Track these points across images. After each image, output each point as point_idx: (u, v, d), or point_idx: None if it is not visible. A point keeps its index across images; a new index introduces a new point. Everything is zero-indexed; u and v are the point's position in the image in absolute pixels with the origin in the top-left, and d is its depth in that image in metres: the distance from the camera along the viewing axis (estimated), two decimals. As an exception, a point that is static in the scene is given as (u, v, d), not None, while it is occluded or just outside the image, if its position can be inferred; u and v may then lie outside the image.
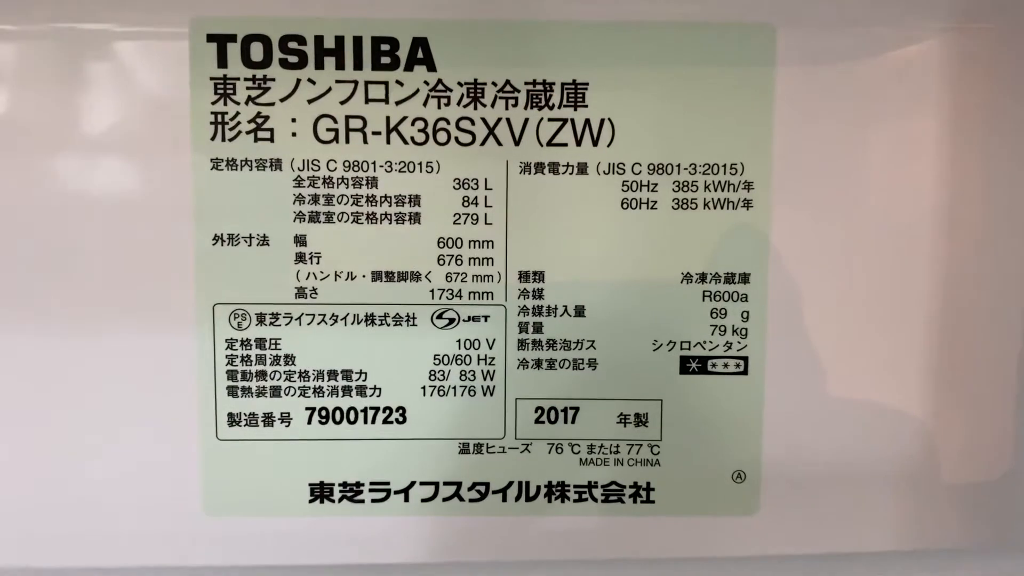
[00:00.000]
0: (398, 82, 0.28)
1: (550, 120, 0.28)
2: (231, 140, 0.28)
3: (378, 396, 0.29)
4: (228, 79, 0.28)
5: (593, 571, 0.30)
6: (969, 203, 0.29)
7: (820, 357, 0.29)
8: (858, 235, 0.29)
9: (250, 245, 0.28)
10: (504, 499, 0.30)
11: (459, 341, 0.29)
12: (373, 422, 0.29)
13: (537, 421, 0.30)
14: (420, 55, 0.28)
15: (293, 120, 0.28)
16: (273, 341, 0.29)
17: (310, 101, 0.28)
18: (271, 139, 0.28)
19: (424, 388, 0.29)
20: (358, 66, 0.28)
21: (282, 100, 0.28)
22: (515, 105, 0.28)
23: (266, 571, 0.30)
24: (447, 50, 0.28)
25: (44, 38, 0.27)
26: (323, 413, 0.29)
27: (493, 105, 0.28)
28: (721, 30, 0.28)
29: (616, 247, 0.29)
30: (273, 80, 0.28)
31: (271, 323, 0.29)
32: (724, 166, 0.28)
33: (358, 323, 0.29)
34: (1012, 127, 0.28)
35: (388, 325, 0.29)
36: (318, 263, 0.28)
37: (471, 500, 0.30)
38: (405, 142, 0.28)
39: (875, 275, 0.29)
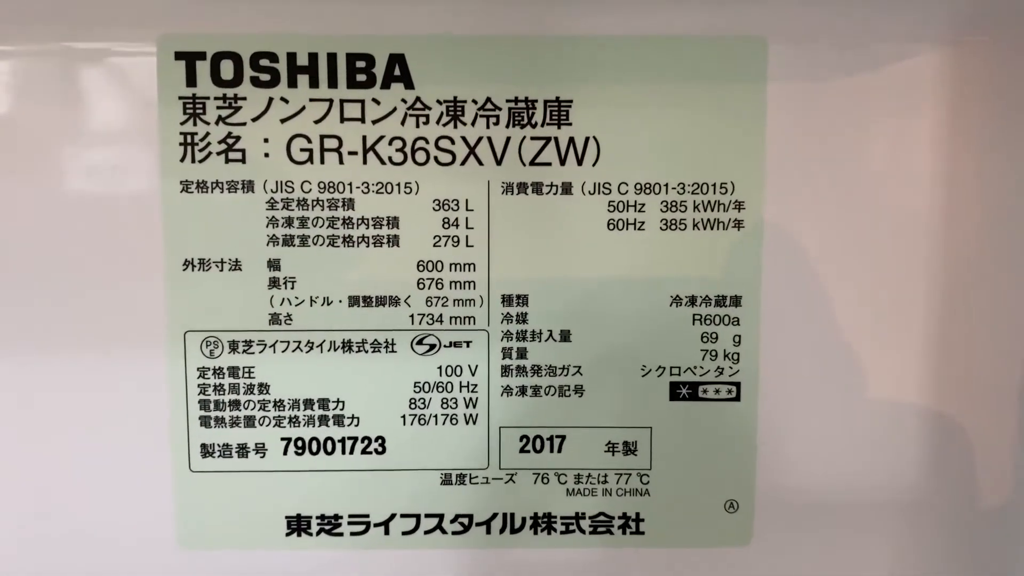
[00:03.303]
0: (374, 100, 0.27)
1: (533, 138, 0.27)
2: (201, 161, 0.27)
3: (356, 426, 0.28)
4: (198, 98, 0.27)
5: (581, 604, 0.29)
6: (967, 223, 0.28)
7: (815, 382, 0.28)
8: (852, 255, 0.28)
9: (222, 270, 0.27)
10: (488, 531, 0.29)
11: (440, 368, 0.28)
12: (351, 452, 0.28)
13: (522, 450, 0.29)
14: (397, 72, 0.27)
15: (266, 140, 0.27)
16: (247, 369, 0.28)
17: (283, 120, 0.27)
18: (243, 160, 0.27)
19: (404, 417, 0.28)
20: (333, 84, 0.27)
21: (254, 119, 0.27)
22: (496, 123, 0.27)
23: (242, 607, 0.29)
24: (425, 67, 0.27)
25: (4, 57, 0.26)
26: (299, 444, 0.28)
27: (474, 123, 0.27)
28: (710, 44, 0.27)
29: (602, 269, 0.28)
30: (244, 99, 0.27)
31: (244, 351, 0.28)
32: (714, 185, 0.27)
33: (335, 350, 0.28)
34: (1010, 143, 0.27)
35: (366, 352, 0.28)
36: (293, 288, 0.27)
37: (454, 533, 0.29)
38: (382, 162, 0.27)
39: (871, 298, 0.28)
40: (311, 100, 0.27)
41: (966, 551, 0.29)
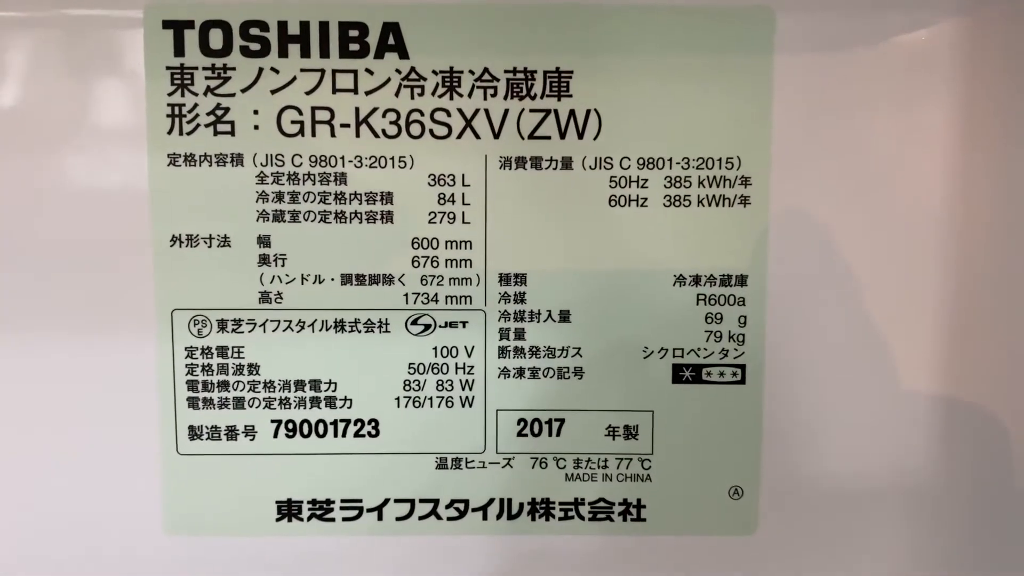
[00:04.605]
0: (368, 70, 0.26)
1: (532, 111, 0.26)
2: (189, 134, 0.26)
3: (349, 408, 0.28)
4: (185, 68, 0.26)
5: (580, 594, 0.28)
6: (982, 198, 0.27)
7: (822, 365, 0.27)
8: (863, 234, 0.27)
9: (210, 246, 0.27)
10: (484, 517, 0.28)
11: (435, 348, 0.27)
12: (344, 435, 0.28)
13: (519, 434, 0.28)
14: (391, 41, 0.26)
15: (255, 112, 0.26)
16: (236, 349, 0.27)
17: (273, 91, 0.26)
18: (232, 132, 0.26)
19: (398, 399, 0.28)
20: (325, 53, 0.26)
21: (243, 91, 0.26)
22: (494, 95, 0.26)
23: (231, 594, 0.28)
24: (420, 36, 0.26)
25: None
26: (290, 426, 0.28)
27: (470, 95, 0.26)
28: (715, 14, 0.26)
29: (603, 247, 0.27)
30: (234, 69, 0.26)
31: (233, 330, 0.27)
32: (719, 160, 0.27)
33: (327, 330, 0.27)
34: (1030, 116, 0.26)
35: (359, 332, 0.27)
36: (283, 265, 0.27)
37: (449, 518, 0.28)
38: (376, 135, 0.26)
39: (881, 277, 0.27)
40: (302, 70, 0.26)
41: (975, 540, 0.28)
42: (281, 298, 0.27)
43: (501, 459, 0.28)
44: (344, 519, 0.28)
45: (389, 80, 0.26)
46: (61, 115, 0.26)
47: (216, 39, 0.26)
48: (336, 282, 0.27)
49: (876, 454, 0.28)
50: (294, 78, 0.26)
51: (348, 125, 0.26)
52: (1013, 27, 0.26)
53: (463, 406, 0.28)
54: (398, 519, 0.28)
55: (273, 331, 0.27)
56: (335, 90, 0.26)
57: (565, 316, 0.27)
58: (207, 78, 0.26)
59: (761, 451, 0.28)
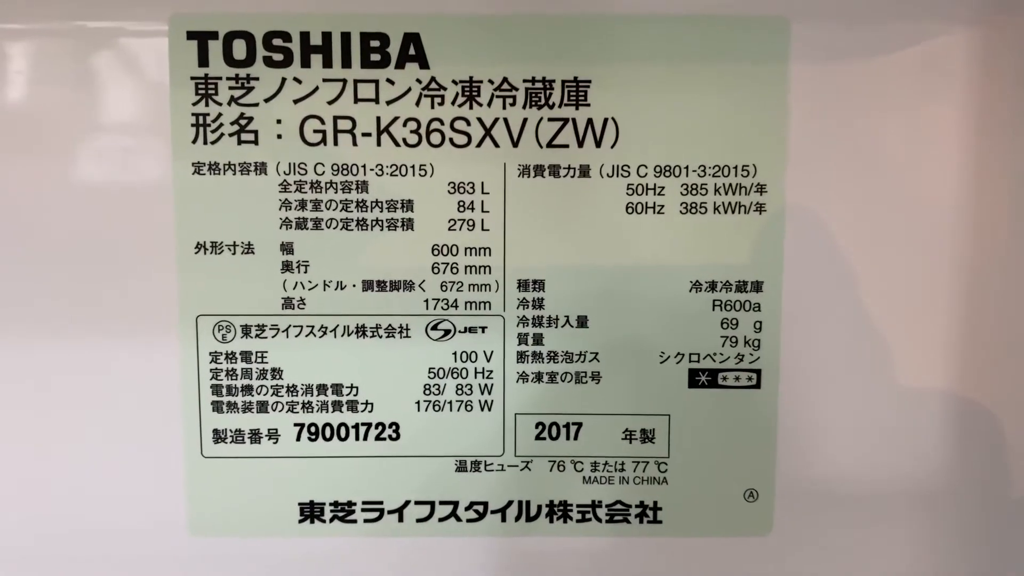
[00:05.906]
0: (389, 80, 0.26)
1: (550, 120, 0.27)
2: (213, 143, 0.26)
3: (370, 411, 0.28)
4: (210, 79, 0.26)
5: (597, 594, 0.29)
6: (996, 207, 0.27)
7: (837, 370, 0.28)
8: (878, 240, 0.27)
9: (234, 253, 0.27)
10: (503, 519, 0.29)
11: (455, 353, 0.28)
12: (365, 439, 0.28)
13: (538, 437, 0.28)
14: (412, 52, 0.26)
15: (278, 121, 0.26)
16: (259, 354, 0.28)
17: (296, 101, 0.26)
18: (255, 141, 0.26)
19: (419, 403, 0.28)
20: (346, 64, 0.26)
21: (267, 100, 0.26)
22: (513, 104, 0.26)
23: (254, 594, 0.29)
24: (440, 46, 0.26)
25: (13, 37, 0.26)
26: (312, 429, 0.28)
27: (490, 104, 0.26)
28: (732, 23, 0.26)
29: (621, 254, 0.27)
30: (257, 79, 0.26)
31: (257, 335, 0.27)
32: (735, 168, 0.27)
33: (348, 335, 0.27)
34: (1043, 125, 0.27)
35: (380, 337, 0.27)
36: (306, 272, 0.27)
37: (468, 520, 0.29)
38: (397, 144, 0.27)
39: (895, 283, 0.27)
40: (324, 80, 0.26)
41: (992, 541, 0.29)
42: (304, 304, 0.27)
43: (519, 462, 0.28)
44: (365, 520, 0.29)
45: (410, 90, 0.26)
46: (87, 124, 0.26)
47: (240, 50, 0.26)
48: (358, 288, 0.27)
49: (889, 457, 0.28)
50: (316, 88, 0.26)
51: (369, 134, 0.26)
52: (1022, 36, 0.26)
53: (482, 410, 0.28)
54: (418, 520, 0.29)
55: (296, 336, 0.27)
56: (357, 100, 0.26)
57: (583, 321, 0.28)
58: (231, 88, 0.26)
59: (776, 454, 0.28)
